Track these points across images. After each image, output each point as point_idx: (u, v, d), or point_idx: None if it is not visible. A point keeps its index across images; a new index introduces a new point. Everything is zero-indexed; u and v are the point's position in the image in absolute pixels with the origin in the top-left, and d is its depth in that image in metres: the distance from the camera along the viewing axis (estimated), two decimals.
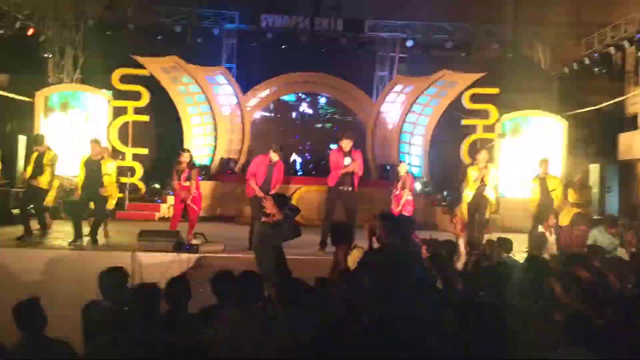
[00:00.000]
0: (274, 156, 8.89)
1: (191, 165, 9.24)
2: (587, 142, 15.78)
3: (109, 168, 9.06)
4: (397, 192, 10.07)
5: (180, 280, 4.21)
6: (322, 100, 18.21)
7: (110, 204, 9.67)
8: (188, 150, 9.58)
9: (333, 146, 15.95)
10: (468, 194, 9.64)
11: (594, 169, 14.18)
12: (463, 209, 9.89)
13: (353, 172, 8.96)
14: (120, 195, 13.00)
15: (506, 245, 6.68)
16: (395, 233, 4.70)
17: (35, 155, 9.12)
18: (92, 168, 8.90)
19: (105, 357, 3.21)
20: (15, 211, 10.62)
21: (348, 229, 5.84)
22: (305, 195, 12.97)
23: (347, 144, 9.02)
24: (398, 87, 15.46)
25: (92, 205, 9.15)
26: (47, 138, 9.67)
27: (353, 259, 5.45)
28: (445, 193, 14.11)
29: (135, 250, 8.02)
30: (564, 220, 9.74)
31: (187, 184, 9.13)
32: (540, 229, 8.00)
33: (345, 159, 8.99)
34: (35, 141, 9.57)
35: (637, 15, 13.19)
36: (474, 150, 14.61)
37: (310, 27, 15.71)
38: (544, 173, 10.06)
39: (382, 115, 15.68)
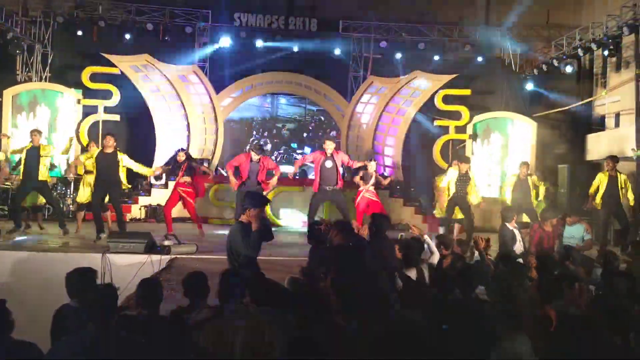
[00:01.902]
0: (253, 155, 9.61)
1: (189, 160, 10.21)
2: (555, 143, 16.07)
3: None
4: (366, 189, 10.22)
5: (151, 282, 4.16)
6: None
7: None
8: (183, 150, 10.57)
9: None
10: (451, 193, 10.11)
11: (563, 170, 14.43)
12: (442, 205, 10.16)
13: (336, 169, 9.41)
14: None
15: (478, 244, 6.76)
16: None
17: None
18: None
19: (66, 357, 3.17)
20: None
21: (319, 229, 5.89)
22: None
23: (329, 146, 9.49)
24: (372, 88, 15.54)
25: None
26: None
27: None
28: (422, 200, 14.27)
29: (105, 251, 7.91)
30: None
31: (184, 179, 9.99)
32: (509, 226, 8.12)
33: (327, 162, 9.38)
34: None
35: (604, 19, 13.47)
36: (446, 151, 14.87)
37: (284, 27, 15.68)
38: (524, 174, 10.34)
39: (357, 115, 15.74)
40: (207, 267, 5.49)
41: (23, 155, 9.60)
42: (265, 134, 18.46)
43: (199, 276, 4.47)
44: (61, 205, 12.01)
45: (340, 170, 9.90)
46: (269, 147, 17.57)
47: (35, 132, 9.72)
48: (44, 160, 9.57)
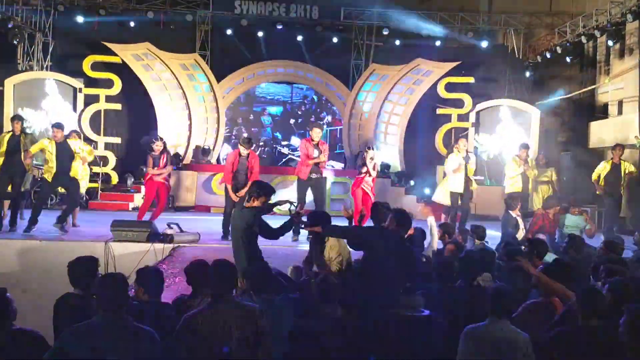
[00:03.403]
0: (242, 149, 8.92)
1: (166, 151, 9.57)
2: (558, 130, 16.02)
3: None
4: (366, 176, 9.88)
5: (152, 270, 4.17)
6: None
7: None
8: (161, 139, 9.77)
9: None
10: (452, 181, 9.77)
11: (565, 157, 14.41)
12: (446, 193, 9.94)
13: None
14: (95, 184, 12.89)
15: (479, 232, 6.77)
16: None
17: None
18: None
19: (72, 346, 3.17)
20: None
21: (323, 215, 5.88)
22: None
23: (317, 134, 9.28)
24: (374, 76, 15.46)
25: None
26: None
27: (329, 247, 5.47)
28: (427, 191, 14.18)
29: (108, 240, 7.93)
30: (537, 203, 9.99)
31: (165, 170, 9.47)
32: (512, 214, 8.11)
33: (315, 151, 9.21)
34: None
35: (608, 5, 13.37)
36: (448, 139, 14.83)
37: (285, 14, 15.59)
38: (531, 162, 10.34)
39: (358, 104, 15.69)
40: (209, 256, 5.50)
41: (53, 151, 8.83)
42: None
43: (201, 265, 4.49)
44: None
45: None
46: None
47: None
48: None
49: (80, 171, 9.49)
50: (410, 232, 5.31)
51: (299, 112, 17.16)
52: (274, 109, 17.10)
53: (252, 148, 9.51)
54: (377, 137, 15.63)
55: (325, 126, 16.16)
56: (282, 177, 12.96)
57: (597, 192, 10.34)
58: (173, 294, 5.09)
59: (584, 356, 3.44)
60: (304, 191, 9.26)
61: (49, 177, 8.72)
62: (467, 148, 9.93)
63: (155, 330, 3.38)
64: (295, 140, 16.43)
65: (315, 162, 9.09)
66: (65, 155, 8.73)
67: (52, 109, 13.89)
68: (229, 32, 15.52)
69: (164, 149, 9.56)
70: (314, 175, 9.19)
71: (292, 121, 17.07)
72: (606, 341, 3.40)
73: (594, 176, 10.24)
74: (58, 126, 8.88)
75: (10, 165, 8.90)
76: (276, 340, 3.76)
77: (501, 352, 3.53)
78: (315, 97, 16.93)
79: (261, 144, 16.34)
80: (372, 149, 10.11)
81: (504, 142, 14.69)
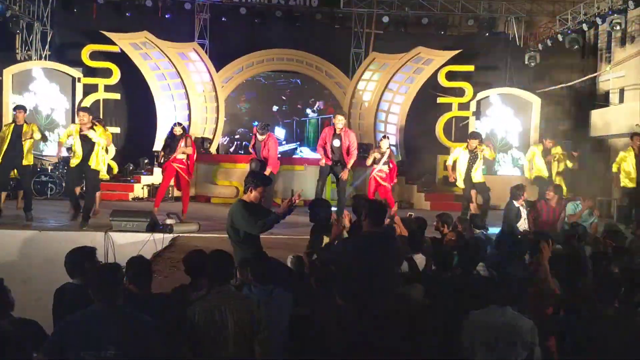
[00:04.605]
0: (258, 135, 9.52)
1: (184, 136, 9.70)
2: (559, 119, 15.96)
3: None
4: (382, 167, 10.01)
5: (136, 261, 4.16)
6: None
7: None
8: (180, 124, 9.99)
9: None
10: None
11: (567, 146, 14.35)
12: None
13: (341, 149, 9.28)
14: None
15: (477, 222, 6.77)
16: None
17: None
18: None
19: (70, 335, 3.18)
20: None
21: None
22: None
23: (339, 121, 9.33)
24: (374, 65, 15.38)
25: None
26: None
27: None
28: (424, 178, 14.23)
29: (108, 230, 7.93)
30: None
31: (181, 156, 9.51)
32: (515, 203, 8.10)
33: (335, 140, 9.25)
34: None
35: None
36: (449, 129, 14.79)
37: (285, 2, 15.47)
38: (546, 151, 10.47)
39: (358, 93, 15.62)
40: (209, 246, 5.49)
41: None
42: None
43: (200, 254, 4.48)
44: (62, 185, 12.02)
45: (345, 151, 9.60)
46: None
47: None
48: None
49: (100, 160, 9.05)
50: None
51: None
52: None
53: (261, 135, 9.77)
54: (377, 126, 15.57)
55: (315, 113, 16.07)
56: (291, 167, 12.98)
57: (615, 186, 10.29)
58: (172, 284, 5.09)
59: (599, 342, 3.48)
60: (324, 176, 9.44)
61: (73, 164, 8.63)
62: (476, 146, 9.87)
63: (153, 319, 3.38)
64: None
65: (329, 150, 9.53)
66: (87, 143, 8.58)
67: (44, 95, 13.91)
68: (227, 20, 15.41)
69: (182, 134, 9.64)
70: (334, 165, 9.42)
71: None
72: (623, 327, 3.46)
73: (614, 168, 10.25)
74: (85, 110, 8.84)
75: (13, 156, 8.92)
76: (275, 330, 3.76)
77: (503, 337, 3.54)
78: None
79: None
80: (385, 138, 10.32)
81: (504, 131, 14.70)
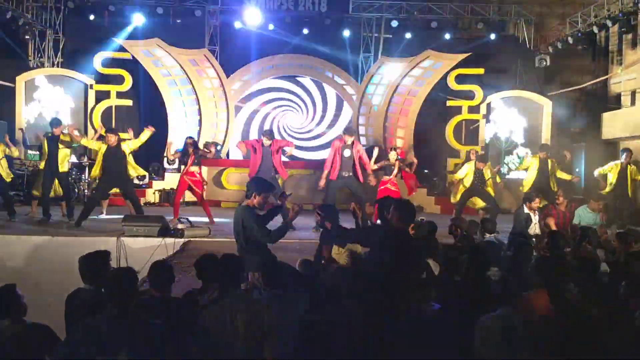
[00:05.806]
0: (265, 140, 9.61)
1: (195, 150, 10.30)
2: (571, 122, 15.87)
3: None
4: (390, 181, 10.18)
5: (162, 264, 4.18)
6: None
7: None
8: (191, 137, 10.74)
9: None
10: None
11: (578, 149, 14.29)
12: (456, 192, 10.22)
13: (353, 159, 9.43)
14: None
15: (487, 226, 6.75)
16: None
17: None
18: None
19: (83, 340, 3.20)
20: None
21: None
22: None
23: (348, 139, 9.46)
24: (383, 69, 15.39)
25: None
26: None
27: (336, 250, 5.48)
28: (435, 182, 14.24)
29: (120, 235, 7.99)
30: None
31: (193, 169, 10.13)
32: (525, 208, 8.06)
33: (345, 151, 9.37)
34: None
35: None
36: (459, 132, 14.75)
37: (294, 8, 15.54)
38: (545, 155, 10.32)
39: (367, 97, 15.62)
40: (220, 250, 5.51)
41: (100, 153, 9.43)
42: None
43: (211, 259, 4.50)
44: (76, 190, 12.14)
45: (357, 161, 9.61)
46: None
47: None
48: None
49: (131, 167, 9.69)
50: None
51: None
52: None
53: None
54: (386, 129, 15.57)
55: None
56: (296, 171, 12.98)
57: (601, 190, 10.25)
58: (184, 289, 5.11)
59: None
60: (332, 190, 9.39)
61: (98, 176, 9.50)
62: (483, 169, 10.34)
63: (165, 324, 3.40)
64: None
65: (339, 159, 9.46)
66: (115, 157, 9.25)
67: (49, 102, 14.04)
68: (238, 26, 15.50)
69: (193, 148, 10.24)
70: (345, 174, 9.34)
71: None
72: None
73: (601, 171, 10.29)
74: (111, 131, 9.51)
75: (54, 168, 9.74)
76: (285, 334, 3.77)
77: (513, 340, 3.53)
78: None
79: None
80: (393, 151, 10.58)
81: (515, 135, 14.65)
